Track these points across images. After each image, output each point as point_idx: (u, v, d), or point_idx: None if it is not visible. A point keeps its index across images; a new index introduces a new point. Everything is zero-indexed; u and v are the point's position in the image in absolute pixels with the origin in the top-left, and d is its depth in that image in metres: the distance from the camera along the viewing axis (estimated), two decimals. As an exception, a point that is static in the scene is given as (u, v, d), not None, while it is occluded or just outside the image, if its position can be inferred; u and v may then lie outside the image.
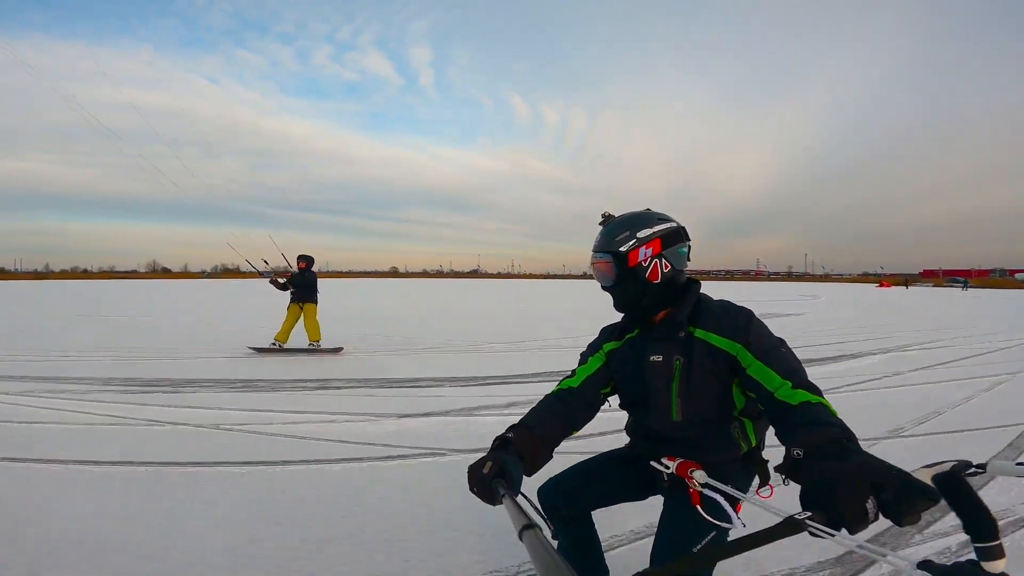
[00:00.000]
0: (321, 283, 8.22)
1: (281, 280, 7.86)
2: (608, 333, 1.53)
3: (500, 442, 1.27)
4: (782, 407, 1.13)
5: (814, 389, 1.13)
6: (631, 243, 1.36)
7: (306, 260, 7.93)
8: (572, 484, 1.53)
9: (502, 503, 1.03)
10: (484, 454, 1.22)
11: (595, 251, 1.41)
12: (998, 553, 0.70)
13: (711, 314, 1.34)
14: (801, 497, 0.87)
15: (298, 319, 7.75)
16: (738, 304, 1.35)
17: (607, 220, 1.44)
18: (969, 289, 46.77)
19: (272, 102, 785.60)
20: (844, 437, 0.97)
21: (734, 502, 1.22)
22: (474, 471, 1.15)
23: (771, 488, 1.35)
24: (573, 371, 1.51)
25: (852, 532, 0.79)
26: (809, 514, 0.81)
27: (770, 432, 1.26)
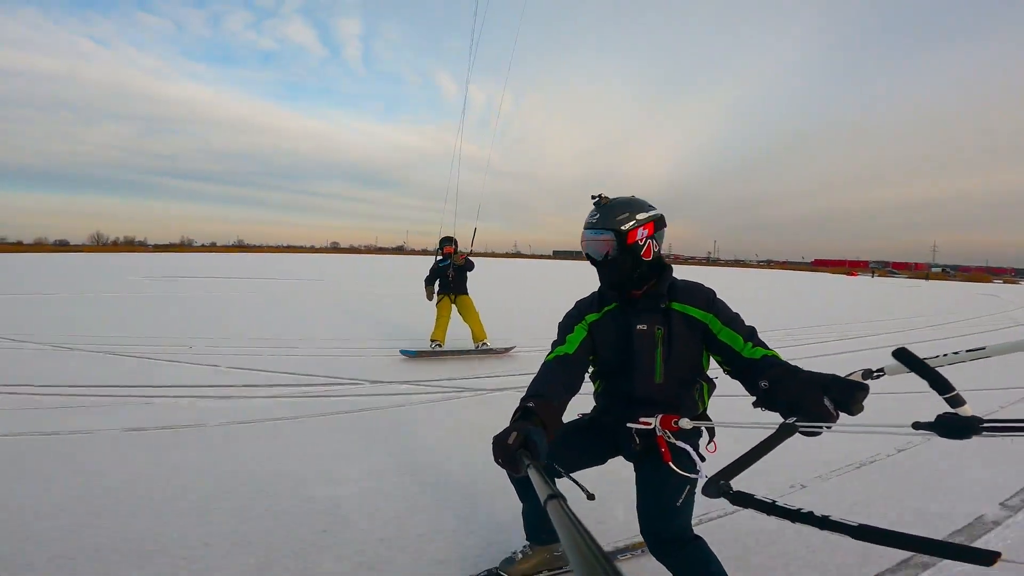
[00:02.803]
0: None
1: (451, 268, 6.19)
2: (587, 306, 1.66)
3: (522, 412, 1.32)
4: (748, 362, 1.40)
5: (767, 346, 1.42)
6: (631, 223, 1.52)
7: (453, 243, 6.37)
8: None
9: (527, 473, 1.05)
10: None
11: (594, 227, 1.54)
12: (960, 400, 0.94)
13: (685, 290, 1.56)
14: (783, 412, 1.18)
15: (450, 315, 6.29)
16: (699, 283, 1.59)
17: (602, 200, 1.57)
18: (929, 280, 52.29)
19: (172, 67, 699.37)
20: (790, 368, 1.26)
21: (696, 446, 1.50)
22: (499, 442, 1.19)
23: (715, 444, 1.60)
24: (562, 339, 1.60)
25: (827, 423, 1.08)
26: (795, 419, 1.11)
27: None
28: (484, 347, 6.11)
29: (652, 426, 1.47)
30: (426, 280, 6.37)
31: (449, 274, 6.19)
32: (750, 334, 1.45)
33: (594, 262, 1.58)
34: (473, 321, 6.19)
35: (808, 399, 1.11)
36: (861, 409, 1.07)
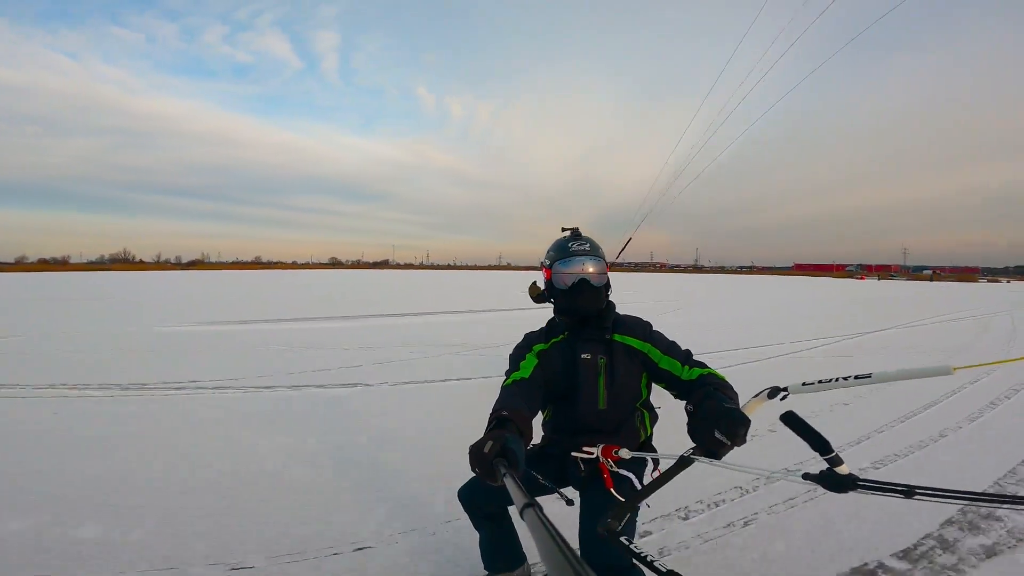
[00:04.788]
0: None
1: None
2: (535, 338, 1.71)
3: (497, 421, 1.29)
4: (687, 384, 1.49)
5: (702, 364, 1.51)
6: (605, 259, 1.66)
7: None
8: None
9: (503, 482, 1.02)
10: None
11: (593, 256, 1.63)
12: (839, 460, 1.00)
13: (625, 323, 1.64)
14: (693, 439, 1.24)
15: None
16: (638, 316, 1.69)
17: (577, 232, 1.68)
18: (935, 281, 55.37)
19: (144, 81, 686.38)
20: (709, 393, 1.32)
21: (641, 474, 1.56)
22: (476, 451, 1.14)
23: (658, 471, 1.61)
24: (516, 366, 1.61)
25: (717, 457, 1.16)
26: (692, 449, 1.19)
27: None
28: None
29: (595, 455, 1.52)
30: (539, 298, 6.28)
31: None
32: (686, 357, 1.55)
33: (580, 289, 1.61)
34: None
35: (701, 432, 1.19)
36: (744, 441, 1.14)
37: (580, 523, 1.56)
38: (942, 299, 21.34)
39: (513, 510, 1.74)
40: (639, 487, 1.52)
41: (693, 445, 1.22)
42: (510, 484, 0.96)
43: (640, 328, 1.62)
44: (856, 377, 1.16)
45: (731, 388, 1.39)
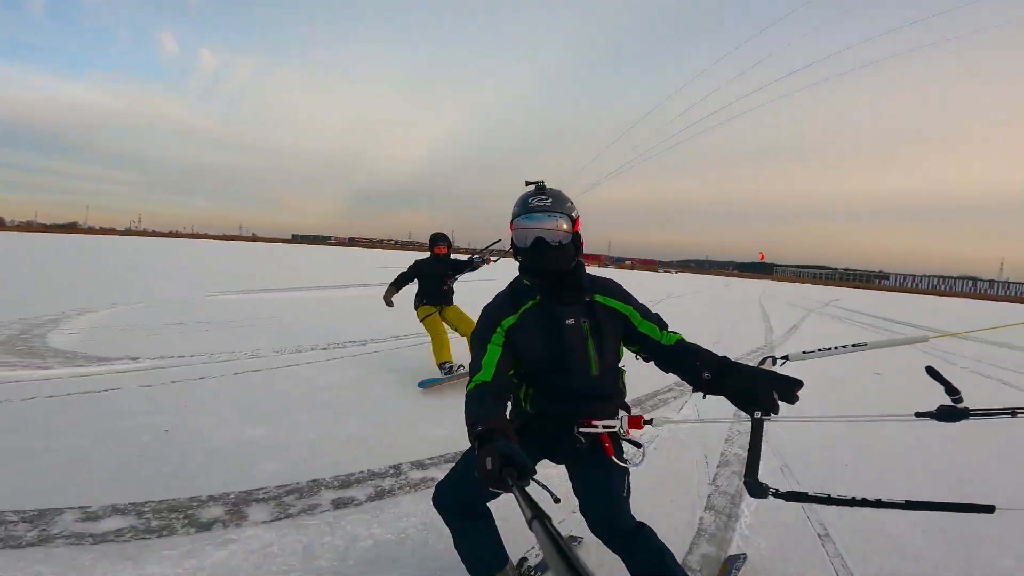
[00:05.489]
0: None
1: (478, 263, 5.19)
2: (499, 311, 1.54)
3: (486, 432, 1.20)
4: (667, 349, 1.52)
5: (673, 329, 1.56)
6: (575, 212, 1.51)
7: (447, 242, 5.18)
8: (469, 480, 1.49)
9: (512, 491, 0.98)
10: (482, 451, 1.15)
11: (549, 211, 1.48)
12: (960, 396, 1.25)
13: (601, 284, 1.58)
14: (736, 401, 1.34)
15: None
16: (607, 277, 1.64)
17: (542, 186, 1.52)
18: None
19: None
20: (720, 360, 1.41)
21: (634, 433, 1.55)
22: (482, 470, 1.08)
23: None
24: (478, 364, 1.46)
25: (776, 412, 1.28)
26: (759, 413, 1.30)
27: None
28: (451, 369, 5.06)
29: (617, 428, 1.46)
30: (397, 283, 5.10)
31: (448, 282, 5.09)
32: (661, 322, 1.57)
33: (539, 248, 1.48)
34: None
35: (762, 394, 1.28)
36: (797, 399, 1.27)
37: (586, 496, 1.50)
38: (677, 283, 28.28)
39: (493, 507, 1.57)
40: (633, 447, 1.54)
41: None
42: (517, 495, 0.95)
43: (617, 289, 1.58)
44: (853, 345, 1.40)
45: (715, 354, 1.46)
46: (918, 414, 1.22)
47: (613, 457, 1.46)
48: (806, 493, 1.22)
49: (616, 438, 1.51)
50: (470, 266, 5.14)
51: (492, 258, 5.42)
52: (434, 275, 5.01)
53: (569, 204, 1.53)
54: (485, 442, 1.17)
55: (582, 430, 1.47)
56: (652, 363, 1.56)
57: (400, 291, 5.14)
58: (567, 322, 1.49)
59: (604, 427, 1.46)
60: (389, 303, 5.17)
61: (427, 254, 5.13)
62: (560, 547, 0.66)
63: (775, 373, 1.32)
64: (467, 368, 4.53)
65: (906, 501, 1.11)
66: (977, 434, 3.75)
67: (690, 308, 14.90)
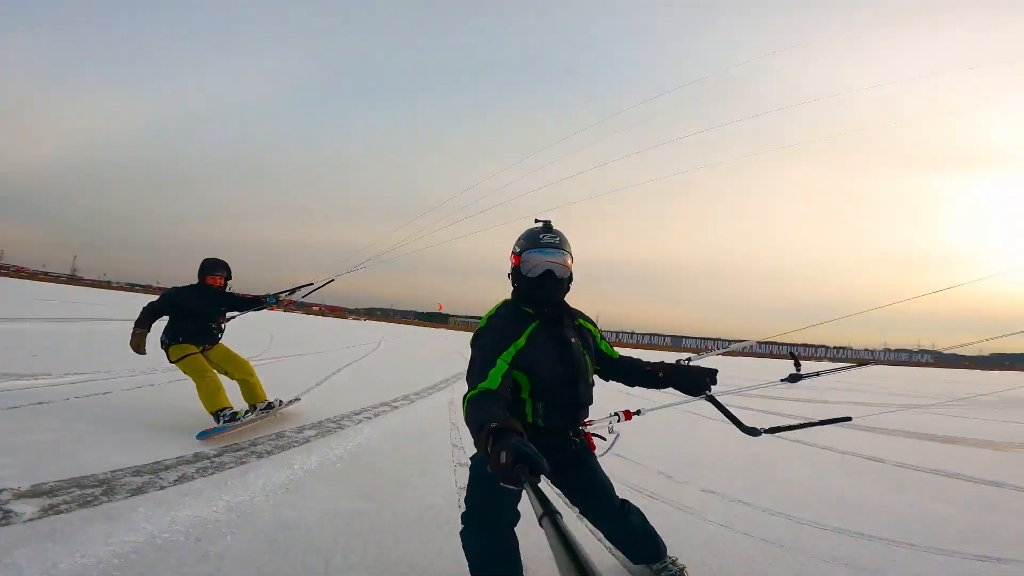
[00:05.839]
0: None
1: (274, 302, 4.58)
2: (507, 333, 1.68)
3: (500, 430, 1.22)
4: (617, 363, 1.99)
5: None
6: (571, 254, 1.83)
7: (226, 271, 4.22)
8: (495, 510, 1.65)
9: (525, 488, 1.00)
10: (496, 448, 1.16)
11: (562, 250, 1.77)
12: (756, 431, 1.96)
13: (577, 310, 1.95)
14: (686, 389, 1.88)
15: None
16: None
17: (549, 225, 1.80)
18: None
19: None
20: (657, 364, 1.94)
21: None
22: (497, 467, 1.10)
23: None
24: (484, 375, 1.54)
25: (709, 392, 1.89)
26: (707, 394, 1.90)
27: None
28: (277, 404, 4.38)
29: (610, 424, 1.89)
30: (145, 321, 3.97)
31: (220, 321, 4.25)
32: (610, 345, 2.00)
33: (547, 279, 1.75)
34: (248, 373, 4.26)
35: (708, 380, 1.88)
36: (716, 382, 1.89)
37: (588, 492, 1.82)
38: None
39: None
40: (606, 437, 1.95)
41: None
42: (529, 492, 0.96)
43: (586, 315, 1.96)
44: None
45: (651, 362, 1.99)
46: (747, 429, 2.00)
47: (595, 451, 1.86)
48: (790, 426, 1.94)
49: (589, 436, 1.87)
50: (256, 305, 4.37)
51: (292, 300, 4.72)
52: (201, 312, 4.09)
53: (569, 246, 1.79)
54: (499, 438, 1.18)
55: (589, 430, 1.83)
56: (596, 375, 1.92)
57: (151, 331, 4.02)
58: (572, 340, 1.77)
59: (604, 426, 1.89)
60: (140, 351, 4.00)
61: (190, 282, 4.09)
62: (570, 545, 0.65)
63: (702, 367, 1.91)
64: (256, 415, 4.16)
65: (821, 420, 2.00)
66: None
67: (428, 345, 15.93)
